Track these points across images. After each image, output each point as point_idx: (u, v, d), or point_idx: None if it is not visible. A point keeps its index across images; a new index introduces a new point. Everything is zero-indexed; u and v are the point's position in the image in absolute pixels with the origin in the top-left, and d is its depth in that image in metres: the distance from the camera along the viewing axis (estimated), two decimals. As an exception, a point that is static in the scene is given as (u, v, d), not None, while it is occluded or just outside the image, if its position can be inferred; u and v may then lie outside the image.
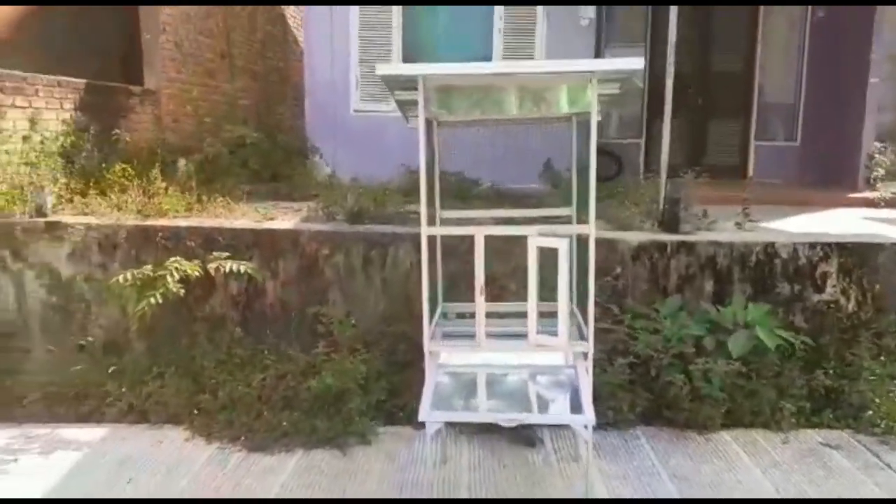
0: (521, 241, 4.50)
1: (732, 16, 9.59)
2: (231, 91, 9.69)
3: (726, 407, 4.63)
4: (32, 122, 6.33)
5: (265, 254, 5.54)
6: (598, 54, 9.45)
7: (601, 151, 9.60)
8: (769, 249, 5.35)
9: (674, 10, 5.99)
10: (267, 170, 8.44)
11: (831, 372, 4.83)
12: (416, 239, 4.60)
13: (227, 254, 5.29)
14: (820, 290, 5.36)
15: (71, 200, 5.94)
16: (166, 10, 8.46)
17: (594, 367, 4.68)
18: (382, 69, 3.10)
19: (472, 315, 3.98)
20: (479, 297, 3.44)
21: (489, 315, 3.93)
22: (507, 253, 4.87)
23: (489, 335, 3.54)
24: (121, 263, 5.49)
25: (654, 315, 5.03)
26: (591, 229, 3.37)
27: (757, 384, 4.70)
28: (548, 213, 4.50)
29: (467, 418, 3.37)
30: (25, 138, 6.20)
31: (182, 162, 6.83)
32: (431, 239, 3.90)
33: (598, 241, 5.39)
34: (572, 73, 3.17)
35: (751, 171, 9.74)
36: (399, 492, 3.91)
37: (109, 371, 5.08)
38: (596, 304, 5.02)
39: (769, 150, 9.76)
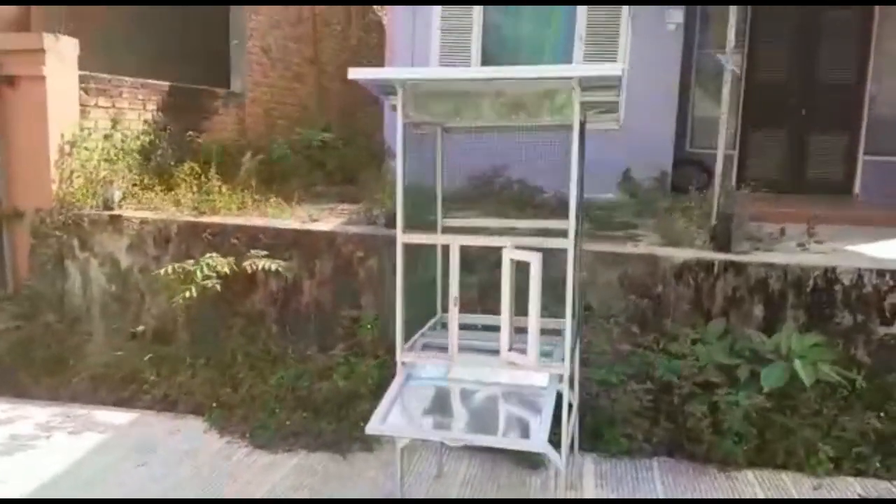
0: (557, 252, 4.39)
1: (843, 23, 8.82)
2: (312, 95, 10.01)
3: (754, 444, 4.23)
4: (114, 122, 6.80)
5: (304, 254, 5.65)
6: (687, 61, 8.99)
7: (688, 161, 9.18)
8: (829, 275, 4.85)
9: (733, 11, 5.59)
10: (343, 172, 8.67)
11: (885, 415, 4.29)
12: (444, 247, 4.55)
13: (265, 252, 5.44)
14: (888, 322, 4.79)
15: (136, 196, 6.33)
16: (254, 17, 8.87)
17: (607, 391, 4.49)
18: (355, 73, 3.07)
19: (473, 327, 3.90)
20: (453, 309, 3.33)
21: (491, 328, 3.81)
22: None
23: (471, 349, 3.44)
24: (172, 257, 5.78)
25: (685, 339, 4.68)
26: (570, 244, 3.18)
27: (793, 421, 4.26)
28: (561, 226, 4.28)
29: (412, 434, 3.27)
30: (107, 136, 6.66)
31: (247, 158, 7.10)
32: (425, 248, 3.81)
33: (640, 257, 5.21)
34: (551, 80, 3.00)
35: (857, 189, 8.90)
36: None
37: (146, 359, 5.35)
38: (616, 323, 4.85)
39: (881, 166, 8.85)
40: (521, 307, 3.55)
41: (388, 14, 9.14)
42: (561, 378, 3.19)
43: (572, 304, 3.20)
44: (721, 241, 5.29)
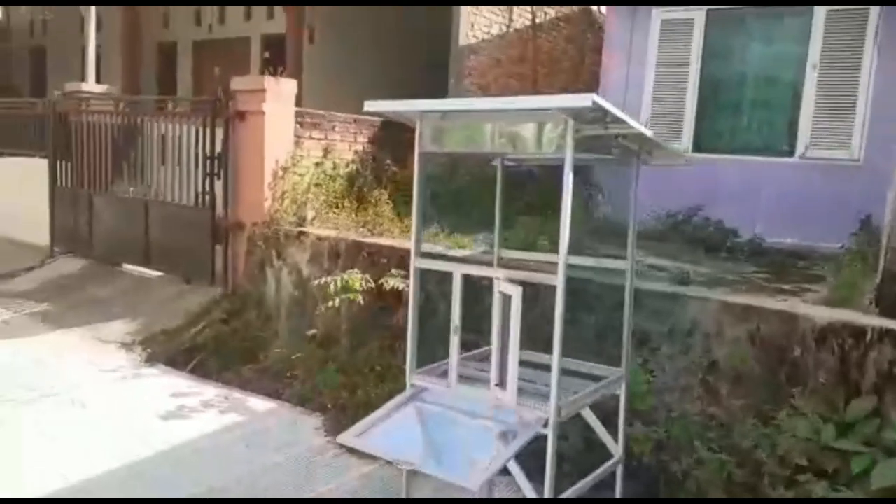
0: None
1: None
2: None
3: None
4: (326, 151, 7.82)
5: (439, 277, 5.93)
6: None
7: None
8: None
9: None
10: (544, 206, 8.78)
11: None
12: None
13: (403, 272, 5.85)
14: None
15: (327, 216, 7.21)
16: (473, 57, 9.45)
17: (692, 456, 4.02)
18: (371, 106, 3.31)
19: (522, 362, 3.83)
20: (454, 338, 3.35)
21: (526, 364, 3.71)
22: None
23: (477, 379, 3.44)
24: (341, 269, 6.48)
25: (807, 414, 3.98)
26: (559, 280, 3.01)
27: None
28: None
29: (369, 450, 3.27)
30: (317, 164, 7.70)
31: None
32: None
33: (775, 314, 4.54)
34: (538, 111, 2.90)
35: None
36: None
37: (294, 358, 6.06)
38: (728, 384, 4.32)
39: None
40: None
41: (604, 50, 9.07)
42: (545, 423, 3.02)
43: (559, 341, 3.01)
44: (887, 303, 4.38)
